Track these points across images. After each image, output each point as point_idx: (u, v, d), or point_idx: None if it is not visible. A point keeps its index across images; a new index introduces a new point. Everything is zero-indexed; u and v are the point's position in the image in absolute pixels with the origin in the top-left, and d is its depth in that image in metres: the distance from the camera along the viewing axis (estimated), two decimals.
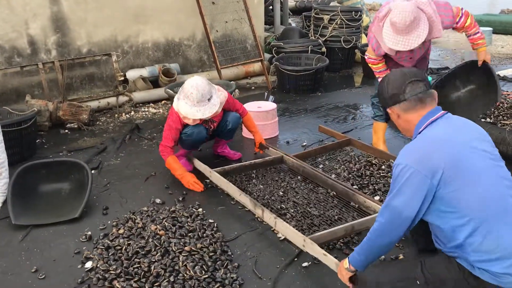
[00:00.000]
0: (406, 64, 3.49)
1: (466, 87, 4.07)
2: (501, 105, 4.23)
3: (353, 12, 6.46)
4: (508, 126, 3.88)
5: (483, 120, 4.05)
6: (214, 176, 3.26)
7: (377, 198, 3.05)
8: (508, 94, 4.51)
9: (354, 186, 3.20)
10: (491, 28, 8.42)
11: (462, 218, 1.75)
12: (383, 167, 3.44)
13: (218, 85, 4.75)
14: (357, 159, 3.61)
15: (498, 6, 12.94)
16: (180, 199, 3.22)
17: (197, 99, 3.16)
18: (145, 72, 5.50)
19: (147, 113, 5.08)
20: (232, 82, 4.91)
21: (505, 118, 4.02)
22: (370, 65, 3.60)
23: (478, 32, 3.46)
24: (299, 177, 3.38)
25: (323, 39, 6.51)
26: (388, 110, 2.02)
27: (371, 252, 1.95)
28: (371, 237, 1.91)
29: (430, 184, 1.74)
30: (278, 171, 3.53)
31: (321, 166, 3.57)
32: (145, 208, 3.06)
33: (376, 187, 3.18)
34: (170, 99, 4.77)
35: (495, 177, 1.80)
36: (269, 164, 3.54)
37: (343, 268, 2.06)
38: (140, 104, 5.27)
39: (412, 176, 1.76)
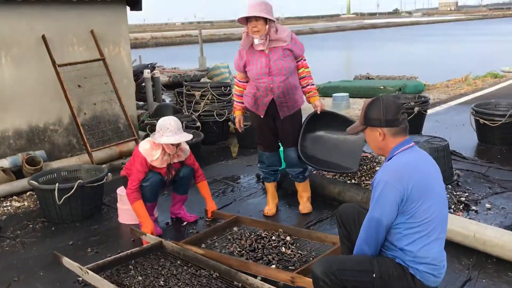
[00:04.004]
0: (263, 69, 3.77)
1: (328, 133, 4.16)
2: (364, 166, 4.60)
3: (222, 87, 6.74)
4: (370, 186, 4.21)
5: (348, 182, 4.35)
6: (88, 274, 3.00)
7: (273, 266, 3.15)
8: (366, 155, 4.93)
9: (249, 260, 3.24)
10: (347, 93, 9.33)
11: (413, 229, 2.23)
12: (273, 237, 3.55)
13: (89, 170, 4.57)
14: (247, 235, 3.65)
15: (352, 72, 14.47)
16: None
17: (176, 127, 3.68)
18: (6, 162, 5.05)
19: (9, 208, 4.61)
20: (104, 166, 4.73)
21: (367, 178, 4.37)
22: (236, 87, 4.12)
23: (313, 84, 4.00)
24: (179, 262, 3.26)
25: (197, 114, 6.64)
26: (378, 129, 2.32)
27: None
28: (359, 249, 2.33)
29: (400, 197, 2.19)
30: (158, 257, 3.38)
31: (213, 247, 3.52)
32: None
33: (270, 258, 3.27)
34: (34, 190, 4.41)
35: (444, 203, 2.34)
36: (148, 252, 3.37)
37: None
38: (1, 199, 4.79)
39: (388, 189, 2.20)
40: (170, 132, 3.65)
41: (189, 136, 3.75)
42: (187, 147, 3.98)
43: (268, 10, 3.66)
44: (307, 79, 3.95)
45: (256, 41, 3.73)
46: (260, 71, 3.77)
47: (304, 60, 3.95)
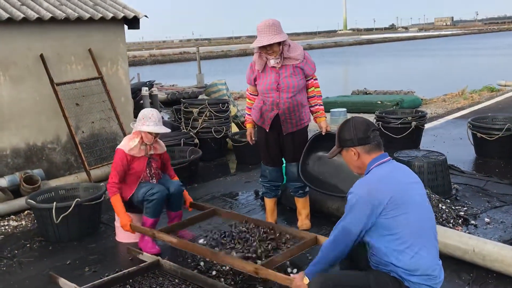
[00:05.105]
0: (272, 84, 3.80)
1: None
2: None
3: (220, 104, 6.77)
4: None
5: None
6: None
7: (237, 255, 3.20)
8: None
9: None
10: (345, 109, 9.35)
11: (397, 240, 2.25)
12: (245, 228, 3.59)
13: (87, 188, 4.56)
14: (222, 226, 3.77)
15: (350, 88, 14.54)
16: None
17: (158, 118, 3.82)
18: (4, 182, 5.04)
19: (7, 227, 4.59)
20: (102, 184, 4.71)
21: None
22: (248, 99, 4.15)
23: (322, 104, 4.00)
24: (176, 280, 3.24)
25: (195, 131, 6.65)
26: (352, 149, 2.43)
27: (324, 263, 2.39)
28: (324, 249, 2.38)
29: (373, 211, 2.24)
30: (156, 276, 3.35)
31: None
32: None
33: (240, 249, 3.32)
34: (32, 209, 4.39)
35: (424, 212, 2.35)
36: (145, 271, 3.34)
37: (303, 284, 2.38)
38: None
39: (360, 202, 2.26)
40: (152, 122, 3.78)
41: (167, 130, 3.90)
42: (163, 144, 4.11)
43: (279, 31, 3.67)
44: (315, 99, 3.96)
45: (272, 62, 3.78)
46: (269, 86, 3.81)
47: (315, 79, 3.96)
